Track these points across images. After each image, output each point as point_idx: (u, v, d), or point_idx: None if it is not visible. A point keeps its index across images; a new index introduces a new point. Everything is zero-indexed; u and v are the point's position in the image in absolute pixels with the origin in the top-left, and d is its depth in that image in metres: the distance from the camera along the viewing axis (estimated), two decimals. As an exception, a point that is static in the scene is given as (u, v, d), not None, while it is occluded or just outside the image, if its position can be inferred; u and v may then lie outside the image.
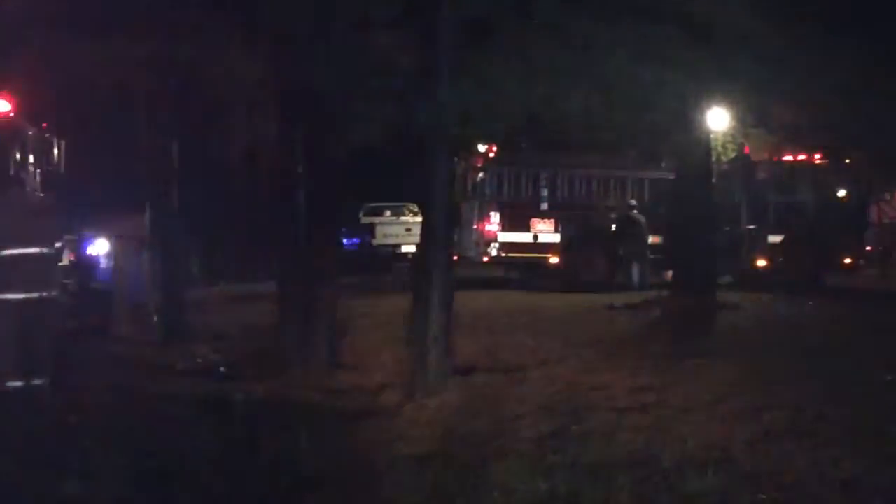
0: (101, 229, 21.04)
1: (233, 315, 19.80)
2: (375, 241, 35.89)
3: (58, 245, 12.63)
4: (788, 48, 15.61)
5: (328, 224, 14.54)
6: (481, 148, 25.59)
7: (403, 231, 35.49)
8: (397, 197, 36.43)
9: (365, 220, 36.94)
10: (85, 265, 20.95)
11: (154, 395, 12.40)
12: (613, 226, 26.00)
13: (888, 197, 41.92)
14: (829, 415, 10.59)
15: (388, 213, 37.41)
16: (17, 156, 17.46)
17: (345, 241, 33.40)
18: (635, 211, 25.74)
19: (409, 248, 32.03)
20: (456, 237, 24.55)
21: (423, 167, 12.33)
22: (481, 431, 10.09)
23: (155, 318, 17.45)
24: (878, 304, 22.80)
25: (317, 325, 13.94)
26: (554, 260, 25.82)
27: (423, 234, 12.73)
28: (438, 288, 12.10)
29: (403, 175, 26.58)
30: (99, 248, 21.69)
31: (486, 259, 26.32)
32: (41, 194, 16.97)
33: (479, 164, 26.59)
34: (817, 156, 28.44)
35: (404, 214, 36.60)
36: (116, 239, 19.40)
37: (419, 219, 14.17)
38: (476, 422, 10.51)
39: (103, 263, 21.36)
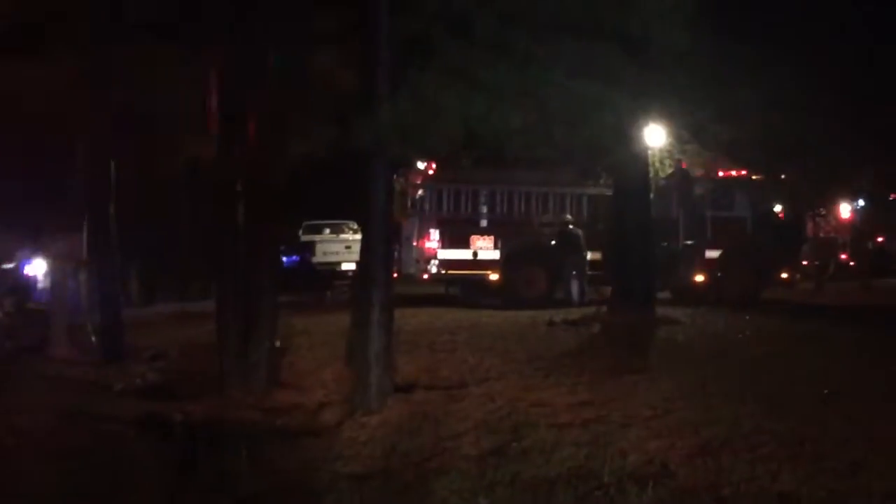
0: (39, 250, 20.83)
1: (172, 334, 19.66)
2: (315, 259, 35.73)
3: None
4: (724, 65, 15.82)
5: (268, 242, 14.48)
6: (421, 165, 25.60)
7: (343, 249, 35.39)
8: (339, 214, 36.33)
9: (305, 237, 36.80)
10: (22, 286, 20.75)
11: (92, 415, 12.30)
12: (553, 241, 26.07)
13: (823, 212, 42.47)
14: (766, 428, 10.69)
15: (327, 230, 37.29)
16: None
17: (285, 259, 33.24)
18: (573, 226, 25.84)
19: (349, 266, 31.90)
20: (396, 254, 24.57)
21: (363, 185, 12.34)
22: (422, 449, 10.09)
23: (93, 338, 17.31)
24: (814, 319, 23.03)
25: (256, 344, 13.87)
26: (494, 276, 25.83)
27: (362, 252, 12.73)
28: (378, 305, 12.11)
29: (344, 192, 26.59)
30: (36, 268, 21.49)
31: (426, 276, 26.28)
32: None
33: (420, 182, 26.59)
34: (751, 171, 28.69)
35: (344, 232, 36.51)
36: (54, 259, 19.19)
37: (359, 236, 14.15)
38: (416, 439, 10.51)
39: (41, 284, 21.18)
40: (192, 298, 27.48)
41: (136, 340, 17.82)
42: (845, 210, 44.28)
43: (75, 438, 10.84)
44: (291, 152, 14.99)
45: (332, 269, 34.98)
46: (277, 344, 14.65)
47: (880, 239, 47.65)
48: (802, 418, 11.26)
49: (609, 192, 23.54)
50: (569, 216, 26.19)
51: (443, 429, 10.90)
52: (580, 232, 25.83)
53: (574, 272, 25.82)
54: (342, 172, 17.93)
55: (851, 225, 45.74)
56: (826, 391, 12.88)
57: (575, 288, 25.80)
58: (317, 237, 36.81)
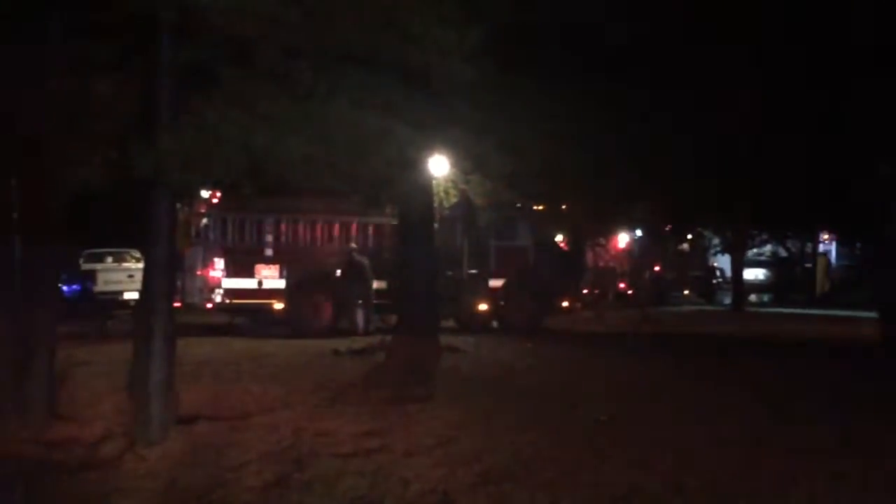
0: None
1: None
2: (97, 288, 34.86)
3: None
4: (505, 98, 16.13)
5: (46, 271, 14.06)
6: (205, 194, 25.33)
7: (126, 277, 34.64)
8: (123, 243, 35.59)
9: (86, 266, 35.90)
10: None
11: None
12: (338, 270, 26.11)
13: (603, 242, 43.69)
14: (547, 456, 10.95)
15: (109, 259, 36.48)
16: None
17: (65, 287, 32.38)
18: (358, 255, 25.94)
19: (131, 295, 31.23)
20: (180, 283, 24.22)
21: (145, 213, 12.15)
22: (204, 481, 9.98)
23: None
24: (593, 347, 23.69)
25: (34, 375, 13.45)
26: (279, 306, 25.71)
27: (144, 281, 12.52)
28: (160, 335, 11.93)
29: (126, 221, 26.07)
30: None
31: (210, 305, 25.98)
32: None
33: (203, 210, 26.32)
34: (533, 202, 29.31)
35: (127, 261, 35.81)
36: None
37: (142, 265, 13.91)
38: (198, 471, 10.38)
39: None
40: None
41: None
42: (623, 240, 45.63)
43: None
44: (71, 180, 14.59)
45: (114, 299, 34.13)
46: (56, 376, 14.26)
47: (657, 268, 49.28)
48: (581, 445, 11.58)
49: (395, 221, 23.73)
50: (354, 245, 26.28)
51: (225, 460, 10.80)
52: (366, 261, 25.95)
53: (360, 301, 25.93)
54: (125, 200, 17.59)
55: (629, 255, 47.22)
56: (604, 418, 13.25)
57: (360, 317, 25.91)
58: (98, 266, 35.93)
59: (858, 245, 43.40)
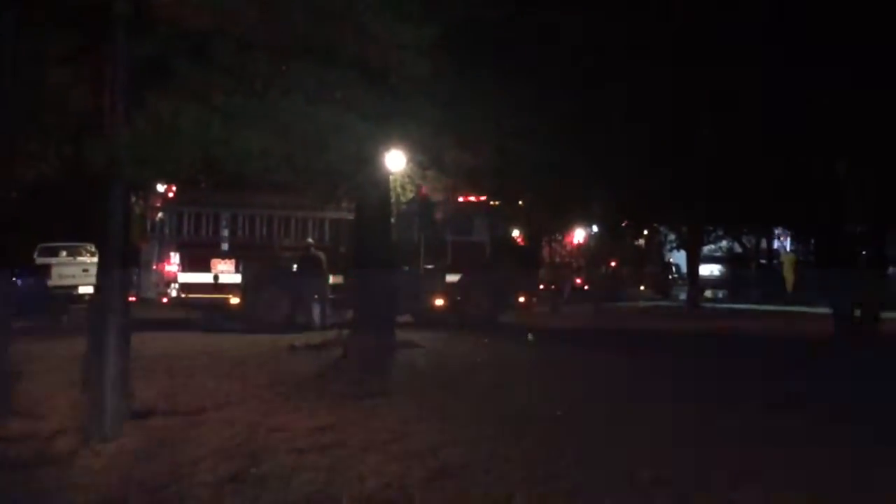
0: None
1: None
2: (51, 283, 34.59)
3: None
4: (461, 94, 16.15)
5: (-2, 265, 13.96)
6: (160, 188, 25.22)
7: (81, 272, 34.39)
8: (78, 237, 35.34)
9: (40, 260, 35.63)
10: None
11: None
12: (295, 265, 26.07)
13: (559, 237, 43.83)
14: (503, 451, 10.97)
15: (64, 253, 36.24)
16: None
17: (19, 282, 32.09)
18: (314, 249, 25.90)
19: (86, 290, 30.99)
20: (136, 278, 24.09)
21: (100, 207, 12.07)
22: (158, 476, 9.92)
23: None
24: (550, 341, 23.76)
25: (-15, 371, 13.35)
26: (235, 300, 25.64)
27: (98, 275, 12.44)
28: (115, 330, 11.84)
29: (81, 214, 25.91)
30: None
31: (166, 300, 25.88)
32: None
33: (159, 205, 26.20)
34: (490, 197, 29.34)
35: (81, 255, 35.54)
36: None
37: (97, 259, 13.81)
38: (153, 466, 10.32)
39: None
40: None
41: None
42: (580, 236, 45.79)
43: None
44: (24, 174, 14.49)
45: (68, 293, 33.88)
46: (10, 371, 14.14)
47: (613, 264, 49.51)
48: (537, 440, 11.62)
49: (352, 216, 23.73)
50: (311, 240, 26.24)
51: (180, 455, 10.74)
52: (322, 255, 25.91)
53: (316, 296, 25.90)
54: (80, 193, 17.48)
55: (586, 250, 47.39)
56: (559, 412, 13.31)
57: (317, 312, 25.89)
58: (53, 260, 35.71)
59: (813, 242, 43.74)
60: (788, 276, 48.16)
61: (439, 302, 27.97)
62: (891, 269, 40.42)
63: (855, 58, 19.89)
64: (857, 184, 24.00)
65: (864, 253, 26.49)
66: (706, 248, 51.67)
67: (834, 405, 14.46)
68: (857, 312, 24.32)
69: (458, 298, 28.13)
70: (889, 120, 20.37)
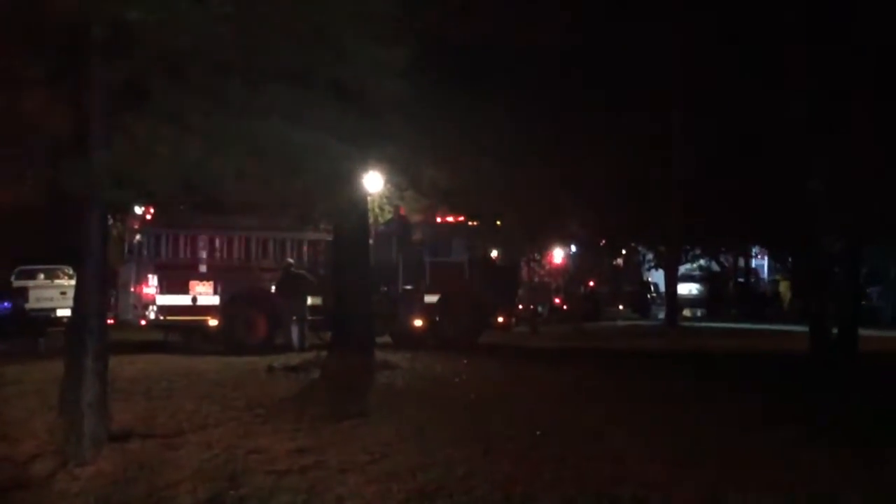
0: None
1: None
2: (29, 305, 34.48)
3: None
4: (437, 114, 16.21)
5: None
6: (138, 210, 25.20)
7: (58, 295, 34.25)
8: (55, 259, 35.24)
9: (17, 283, 35.53)
10: None
11: None
12: (273, 286, 26.06)
13: (538, 257, 43.88)
14: (481, 471, 10.99)
15: (41, 276, 36.11)
16: None
17: (-4, 305, 32.08)
18: (293, 271, 25.89)
19: (64, 312, 30.86)
20: (114, 300, 24.05)
21: (77, 230, 12.07)
22: (137, 500, 9.92)
23: None
24: (529, 362, 23.80)
25: (-37, 395, 13.35)
26: (213, 322, 25.60)
27: (76, 298, 12.43)
28: (93, 352, 11.83)
29: (59, 237, 25.86)
30: None
31: (144, 322, 25.82)
32: None
33: (137, 226, 26.18)
34: (468, 217, 29.36)
35: (59, 277, 35.41)
36: None
37: (74, 282, 13.80)
38: (131, 490, 10.31)
39: None
40: None
41: None
42: (558, 255, 45.85)
43: None
44: (1, 197, 14.48)
45: (46, 316, 33.75)
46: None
47: (591, 283, 49.64)
48: (516, 460, 11.64)
49: (330, 237, 23.73)
50: (290, 261, 26.23)
51: (159, 478, 10.73)
52: (305, 273, 25.92)
53: (294, 317, 25.87)
54: (58, 216, 17.47)
55: (564, 270, 47.47)
56: (538, 433, 13.33)
57: (295, 333, 25.85)
58: (30, 282, 35.59)
59: (790, 260, 43.95)
60: (785, 295, 48.60)
61: (418, 322, 27.97)
62: (870, 289, 40.79)
63: (825, 72, 20.07)
64: (830, 200, 24.08)
65: (836, 271, 26.54)
66: (684, 267, 51.84)
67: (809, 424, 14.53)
68: (835, 330, 24.37)
69: (437, 319, 28.13)
70: (861, 135, 20.52)
